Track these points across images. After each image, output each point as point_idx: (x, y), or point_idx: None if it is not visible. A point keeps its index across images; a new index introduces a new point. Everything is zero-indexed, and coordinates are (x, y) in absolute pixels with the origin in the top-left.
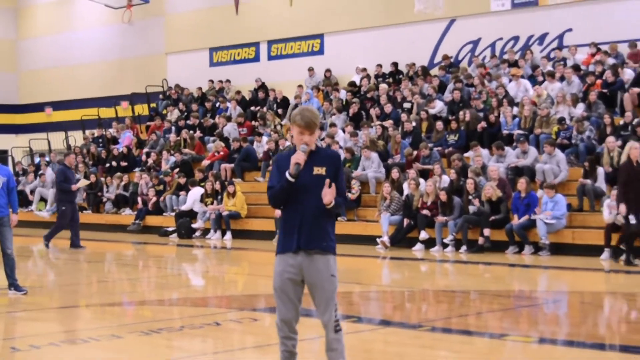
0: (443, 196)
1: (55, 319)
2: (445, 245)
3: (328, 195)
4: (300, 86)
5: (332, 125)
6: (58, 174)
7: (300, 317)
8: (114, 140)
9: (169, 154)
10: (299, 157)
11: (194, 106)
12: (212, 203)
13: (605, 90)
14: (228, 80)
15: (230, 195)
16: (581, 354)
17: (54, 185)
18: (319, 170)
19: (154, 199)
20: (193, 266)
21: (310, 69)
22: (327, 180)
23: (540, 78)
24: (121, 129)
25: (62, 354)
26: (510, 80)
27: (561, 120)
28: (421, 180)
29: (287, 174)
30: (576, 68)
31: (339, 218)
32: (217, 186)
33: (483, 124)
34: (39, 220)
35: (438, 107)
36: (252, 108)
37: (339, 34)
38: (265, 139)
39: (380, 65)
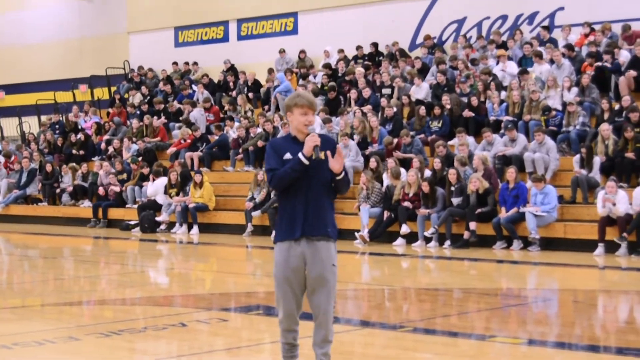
0: (425, 187)
1: (7, 319)
2: (428, 240)
3: (338, 162)
4: (271, 70)
5: None
6: None
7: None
8: (74, 127)
9: (131, 141)
10: (316, 139)
11: (162, 88)
12: (177, 194)
13: (605, 71)
14: (195, 63)
15: (197, 185)
16: (573, 356)
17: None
18: (320, 155)
19: (117, 188)
20: (157, 262)
21: (282, 51)
22: (329, 153)
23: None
24: (92, 112)
25: (15, 358)
26: (497, 63)
27: (546, 109)
28: (402, 170)
29: (300, 156)
30: (570, 48)
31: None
32: (185, 176)
33: (468, 111)
34: None
35: (424, 90)
36: (222, 93)
37: (314, 12)
38: (235, 125)
39: (360, 47)
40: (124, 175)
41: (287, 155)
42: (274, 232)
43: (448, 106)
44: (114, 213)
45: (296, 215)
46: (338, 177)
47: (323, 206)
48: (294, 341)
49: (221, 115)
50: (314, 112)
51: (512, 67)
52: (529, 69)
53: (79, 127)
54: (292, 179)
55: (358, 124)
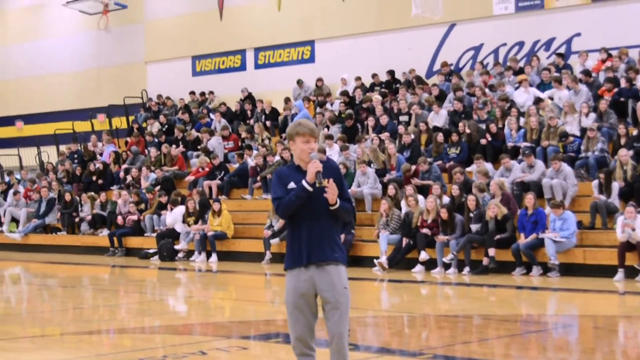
0: (444, 214)
1: (27, 348)
2: (447, 267)
3: (331, 193)
4: (287, 99)
5: (329, 137)
6: None
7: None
8: (92, 156)
9: (149, 170)
10: (318, 165)
11: (181, 117)
12: (195, 222)
13: (622, 99)
14: (211, 92)
15: (215, 214)
16: None
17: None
18: (323, 182)
19: (135, 216)
20: (176, 291)
21: (300, 82)
22: (327, 180)
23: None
24: (106, 141)
25: None
26: (516, 88)
27: (564, 135)
28: (420, 197)
29: (304, 183)
30: (587, 74)
31: (351, 232)
32: (203, 205)
33: (487, 137)
34: (10, 242)
35: (442, 117)
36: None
37: (330, 40)
38: (254, 153)
39: (376, 75)
40: (142, 206)
41: (291, 185)
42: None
43: (467, 131)
44: (133, 242)
45: (302, 242)
46: (332, 208)
47: (327, 232)
48: None
49: (239, 144)
50: (315, 140)
51: (534, 92)
52: (546, 95)
53: (96, 155)
54: (296, 206)
55: (371, 153)
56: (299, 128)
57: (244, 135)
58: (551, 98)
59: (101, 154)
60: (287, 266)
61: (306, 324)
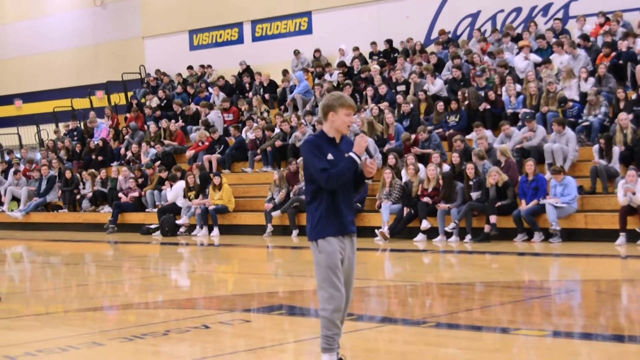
0: (440, 181)
1: (31, 326)
2: (448, 235)
3: (374, 168)
4: (285, 71)
5: None
6: None
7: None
8: (91, 133)
9: (149, 145)
10: (366, 139)
11: (180, 91)
12: (196, 197)
13: (620, 62)
14: (209, 66)
15: (216, 187)
16: (599, 347)
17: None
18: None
19: (136, 193)
20: (178, 265)
21: (297, 52)
22: (366, 157)
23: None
24: (90, 122)
25: None
26: (517, 53)
27: (563, 100)
28: (420, 166)
29: (353, 156)
30: (585, 39)
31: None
32: (204, 178)
33: (485, 104)
34: (11, 221)
35: (437, 85)
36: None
37: (327, 10)
38: (253, 125)
39: (374, 43)
40: (142, 180)
41: (330, 156)
42: (310, 228)
43: (467, 98)
44: (134, 217)
45: (340, 212)
46: (366, 181)
47: (352, 204)
48: (338, 331)
49: (239, 117)
50: (354, 114)
51: (534, 58)
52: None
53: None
54: (347, 178)
55: (367, 125)
56: (343, 100)
57: (243, 108)
58: None
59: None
60: (327, 233)
61: (342, 291)
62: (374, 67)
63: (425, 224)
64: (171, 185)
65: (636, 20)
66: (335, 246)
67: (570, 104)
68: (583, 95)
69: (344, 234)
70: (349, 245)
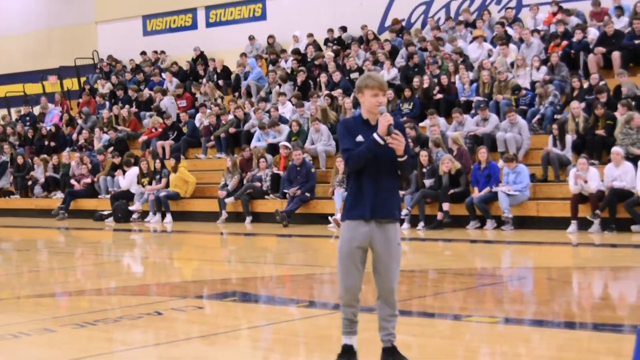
0: None
1: None
2: (401, 222)
3: (398, 143)
4: (243, 55)
5: (282, 94)
6: None
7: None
8: (43, 119)
9: (102, 131)
10: (389, 119)
11: (134, 77)
12: (149, 183)
13: (572, 52)
14: (163, 52)
15: (174, 170)
16: (550, 334)
17: None
18: (387, 138)
19: (89, 179)
20: (131, 252)
21: (251, 37)
22: (396, 133)
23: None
24: (43, 107)
25: None
26: (471, 42)
27: (516, 88)
28: None
29: (376, 136)
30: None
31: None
32: (158, 165)
33: (438, 93)
34: None
35: (392, 73)
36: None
37: None
38: (207, 112)
39: (331, 30)
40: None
41: (359, 138)
42: (338, 210)
43: (425, 86)
44: (87, 204)
45: (367, 197)
46: (400, 160)
47: (391, 189)
48: (353, 317)
49: (193, 103)
50: (384, 93)
51: (488, 47)
52: (498, 49)
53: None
54: (367, 159)
55: (320, 113)
56: (367, 81)
57: (197, 94)
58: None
59: (47, 121)
60: (348, 217)
61: (357, 276)
62: (328, 54)
63: None
64: (124, 172)
65: (588, 10)
66: (353, 231)
67: (524, 92)
68: (535, 84)
69: (371, 218)
70: (379, 230)
